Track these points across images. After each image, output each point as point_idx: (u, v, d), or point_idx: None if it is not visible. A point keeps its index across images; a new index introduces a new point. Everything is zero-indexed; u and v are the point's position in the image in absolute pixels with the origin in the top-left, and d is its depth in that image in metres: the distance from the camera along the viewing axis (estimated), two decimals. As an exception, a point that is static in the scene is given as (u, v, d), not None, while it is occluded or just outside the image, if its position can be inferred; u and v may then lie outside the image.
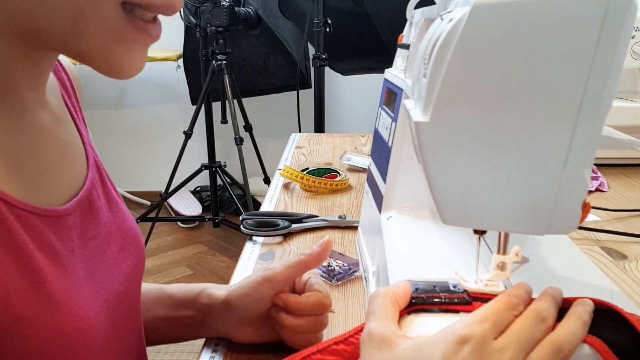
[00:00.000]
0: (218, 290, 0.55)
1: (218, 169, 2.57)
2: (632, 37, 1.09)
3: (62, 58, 0.53)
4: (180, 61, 2.71)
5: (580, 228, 0.79)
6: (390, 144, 0.58)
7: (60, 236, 0.42)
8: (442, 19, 0.39)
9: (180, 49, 2.69)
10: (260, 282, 0.52)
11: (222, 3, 2.22)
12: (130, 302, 0.51)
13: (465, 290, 0.40)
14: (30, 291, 0.37)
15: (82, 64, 0.40)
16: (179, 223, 2.96)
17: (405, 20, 0.65)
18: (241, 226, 0.80)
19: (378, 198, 0.62)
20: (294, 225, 0.81)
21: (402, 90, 0.56)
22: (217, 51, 2.27)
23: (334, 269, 0.67)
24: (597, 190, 0.97)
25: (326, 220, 0.83)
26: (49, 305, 0.38)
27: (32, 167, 0.41)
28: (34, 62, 0.41)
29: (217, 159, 2.65)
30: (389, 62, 0.68)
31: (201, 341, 0.57)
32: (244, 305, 0.52)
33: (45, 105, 0.45)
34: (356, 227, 0.82)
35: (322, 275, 0.67)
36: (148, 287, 0.61)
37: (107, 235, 0.49)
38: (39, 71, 0.42)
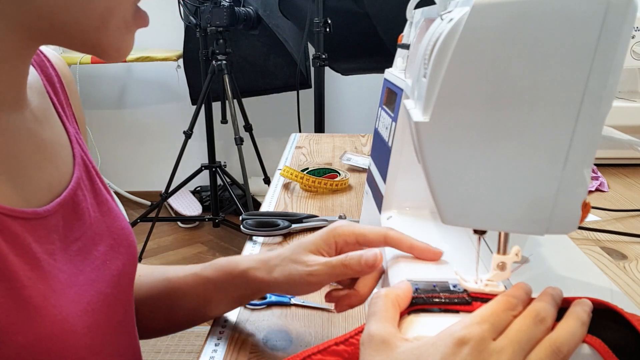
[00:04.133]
0: (259, 272, 0.52)
1: (218, 169, 2.57)
2: (632, 37, 1.09)
3: (50, 54, 0.52)
4: (180, 61, 2.71)
5: (580, 228, 0.78)
6: (390, 144, 0.58)
7: (39, 239, 0.41)
8: (442, 19, 0.39)
9: (180, 49, 2.69)
10: (304, 283, 0.49)
11: (222, 3, 2.22)
12: (120, 303, 0.50)
13: (465, 290, 0.40)
14: (5, 297, 0.36)
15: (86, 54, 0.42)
16: (179, 223, 2.96)
17: (405, 20, 0.65)
18: (241, 226, 0.80)
19: (378, 198, 0.62)
20: (294, 225, 0.81)
21: (402, 90, 0.56)
22: (217, 51, 2.27)
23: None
24: (597, 190, 0.97)
25: (326, 220, 0.83)
26: (25, 311, 0.38)
27: (8, 169, 0.41)
28: (19, 61, 0.40)
29: (217, 159, 2.65)
30: (389, 62, 0.68)
31: (201, 341, 0.57)
32: (290, 289, 0.51)
33: (25, 104, 0.44)
34: (356, 227, 0.82)
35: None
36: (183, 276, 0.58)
37: (93, 236, 0.48)
38: (19, 70, 0.42)
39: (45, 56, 0.51)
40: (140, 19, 0.43)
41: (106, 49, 0.42)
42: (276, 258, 0.52)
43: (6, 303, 0.36)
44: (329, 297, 0.51)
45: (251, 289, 0.53)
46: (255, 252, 0.75)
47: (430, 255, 0.46)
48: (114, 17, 0.40)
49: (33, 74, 0.48)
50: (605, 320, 0.37)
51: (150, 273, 0.60)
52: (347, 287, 0.51)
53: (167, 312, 0.58)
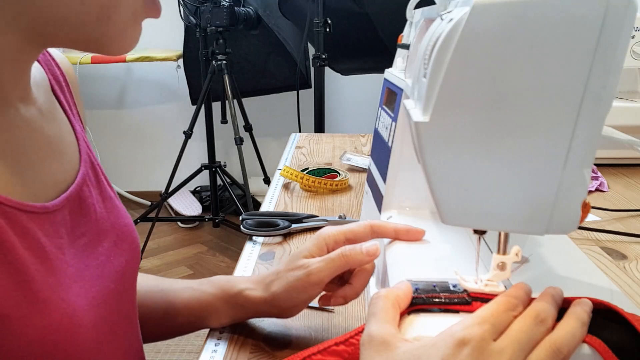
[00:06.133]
0: (255, 292, 0.54)
1: (218, 169, 2.57)
2: (632, 37, 1.09)
3: (55, 54, 0.53)
4: (180, 61, 2.71)
5: (580, 228, 0.78)
6: (390, 144, 0.58)
7: (48, 233, 0.41)
8: (442, 19, 0.39)
9: (180, 49, 2.69)
10: (305, 286, 0.50)
11: (222, 3, 2.22)
12: (124, 299, 0.51)
13: (465, 290, 0.40)
14: (15, 290, 0.37)
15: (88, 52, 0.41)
16: (179, 223, 2.96)
17: (405, 20, 0.65)
18: (241, 226, 0.80)
19: (378, 198, 0.62)
20: (294, 225, 0.81)
21: (402, 90, 0.56)
22: (217, 51, 2.27)
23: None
24: (597, 190, 0.97)
25: (326, 220, 0.83)
26: (35, 303, 0.38)
27: (17, 163, 0.41)
28: (21, 58, 0.40)
29: (217, 159, 2.65)
30: (389, 62, 0.68)
31: (201, 341, 0.57)
32: (291, 300, 0.52)
33: (31, 100, 0.45)
34: (356, 227, 0.82)
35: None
36: (180, 289, 0.59)
37: (99, 231, 0.48)
38: (23, 66, 0.42)
39: (50, 55, 0.52)
40: (152, 8, 0.41)
41: (109, 42, 0.40)
42: (271, 275, 0.53)
43: (17, 295, 0.37)
44: (323, 299, 0.53)
45: (247, 310, 0.55)
46: (255, 252, 0.75)
47: (414, 235, 0.50)
48: (118, 8, 0.38)
49: (40, 72, 0.49)
50: (605, 320, 0.37)
51: (144, 283, 0.61)
52: (337, 287, 0.53)
53: (160, 322, 0.59)
